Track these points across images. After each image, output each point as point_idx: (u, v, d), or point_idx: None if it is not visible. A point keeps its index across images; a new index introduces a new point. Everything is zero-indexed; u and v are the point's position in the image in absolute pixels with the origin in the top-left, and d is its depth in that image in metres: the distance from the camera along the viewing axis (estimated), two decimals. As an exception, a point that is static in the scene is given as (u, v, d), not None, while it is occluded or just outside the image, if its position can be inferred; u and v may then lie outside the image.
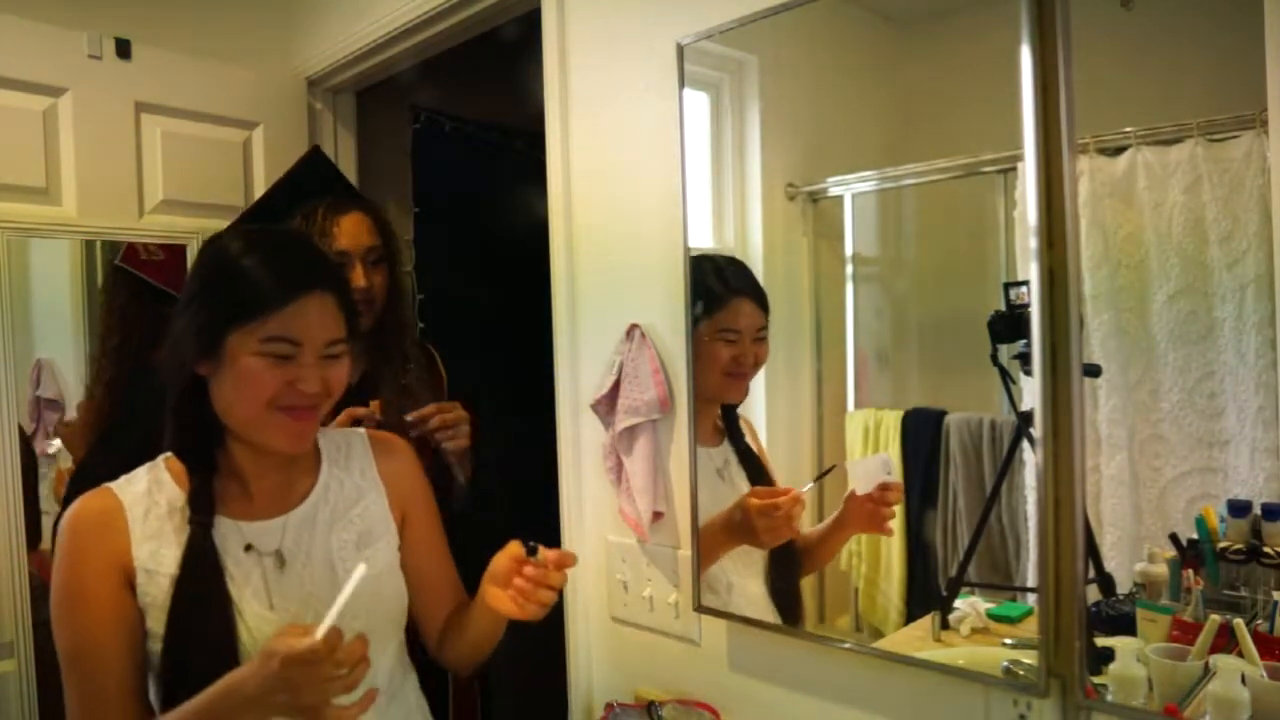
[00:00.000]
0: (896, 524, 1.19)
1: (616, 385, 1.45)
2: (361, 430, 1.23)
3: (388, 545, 1.14)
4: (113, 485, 1.05)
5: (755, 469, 1.35)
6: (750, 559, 1.32)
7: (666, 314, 1.42)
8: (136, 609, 0.99)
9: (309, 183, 1.72)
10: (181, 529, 1.01)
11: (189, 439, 1.06)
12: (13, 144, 1.81)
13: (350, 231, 1.64)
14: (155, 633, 0.99)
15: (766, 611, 1.31)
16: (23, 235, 1.85)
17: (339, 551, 1.09)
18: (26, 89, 1.82)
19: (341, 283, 1.05)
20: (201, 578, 1.00)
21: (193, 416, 1.04)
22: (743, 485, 1.33)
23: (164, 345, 1.05)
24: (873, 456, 1.16)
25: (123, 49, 1.95)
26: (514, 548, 1.04)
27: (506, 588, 1.03)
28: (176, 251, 2.06)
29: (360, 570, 0.90)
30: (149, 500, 1.03)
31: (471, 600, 1.14)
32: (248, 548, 1.04)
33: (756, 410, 1.36)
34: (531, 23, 1.66)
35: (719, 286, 1.34)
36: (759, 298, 1.30)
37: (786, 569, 1.29)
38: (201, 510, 1.02)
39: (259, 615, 1.01)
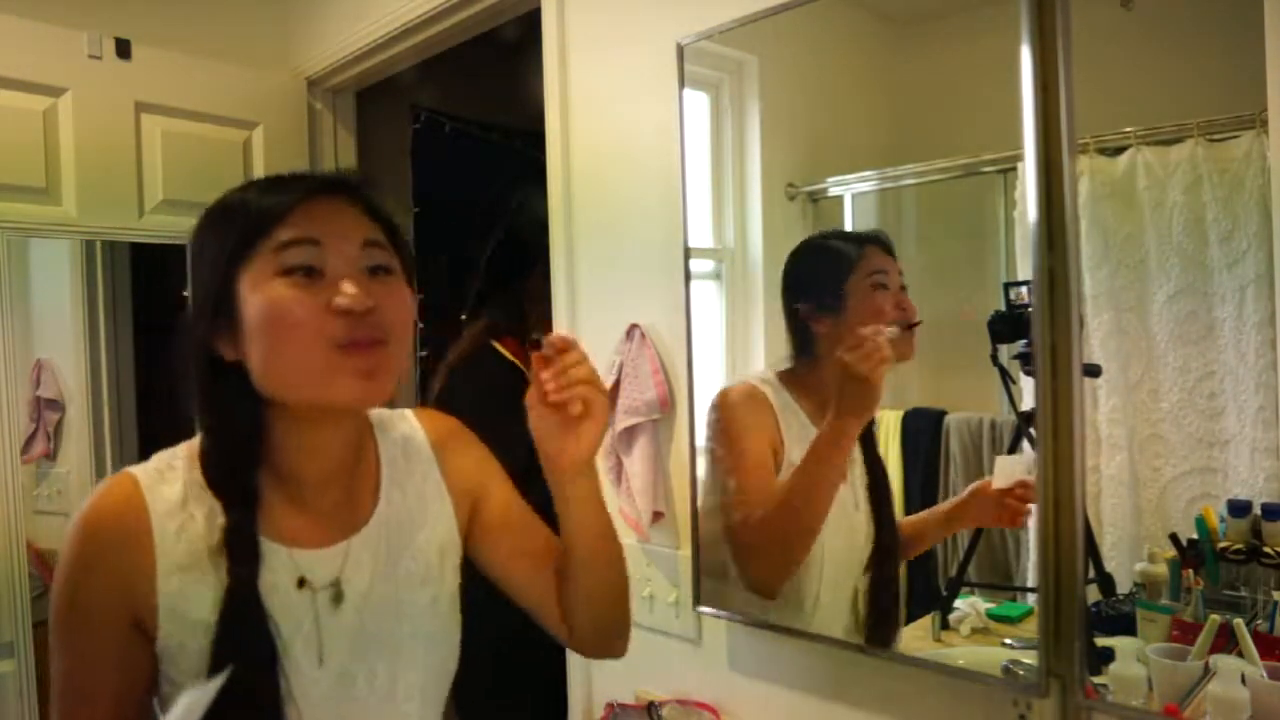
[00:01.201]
0: (897, 524, 1.19)
1: (616, 385, 1.45)
2: (411, 417, 0.97)
3: (453, 573, 0.92)
4: (141, 478, 0.79)
5: (882, 494, 1.22)
6: (850, 558, 1.23)
7: (666, 314, 1.42)
8: (148, 655, 0.77)
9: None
10: (222, 559, 0.78)
11: (225, 447, 0.81)
12: (13, 144, 1.81)
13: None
14: (177, 683, 0.77)
15: (850, 619, 1.23)
16: (23, 235, 1.85)
17: (405, 588, 0.86)
18: (26, 89, 1.82)
19: (369, 194, 0.82)
20: (243, 640, 0.77)
21: (225, 414, 0.81)
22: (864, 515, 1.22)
23: (177, 339, 0.83)
24: (1017, 455, 1.13)
25: (123, 49, 1.95)
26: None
27: (546, 416, 0.84)
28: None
29: None
30: (184, 514, 0.78)
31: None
32: (301, 582, 0.81)
33: (756, 410, 1.36)
34: (531, 23, 1.66)
35: (843, 243, 1.23)
36: (886, 245, 1.19)
37: (888, 558, 1.21)
38: (243, 556, 0.78)
39: (309, 678, 0.80)
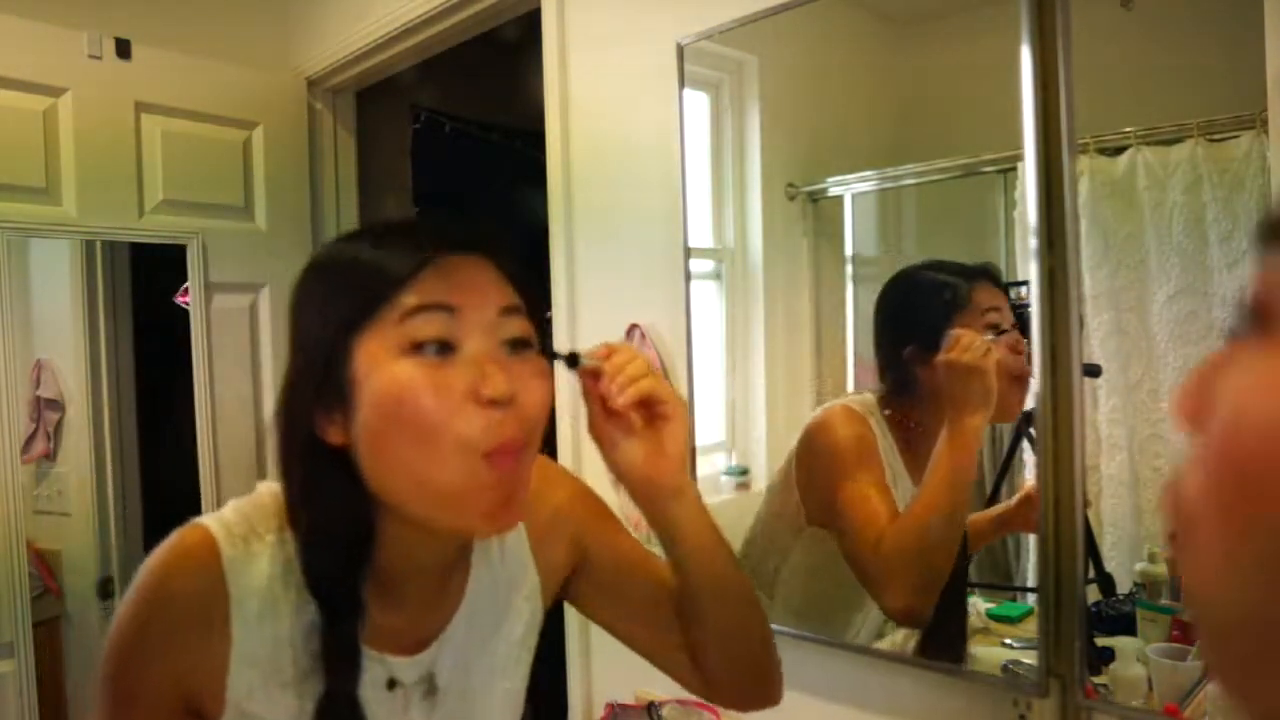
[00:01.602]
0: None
1: (616, 385, 1.45)
2: None
3: (529, 663, 0.82)
4: (223, 548, 0.66)
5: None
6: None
7: (666, 314, 1.42)
8: None
9: None
10: (311, 663, 0.67)
11: (331, 550, 0.67)
12: (13, 144, 1.81)
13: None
14: None
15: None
16: (23, 235, 1.85)
17: (500, 673, 0.78)
18: (26, 89, 1.82)
19: (505, 251, 0.69)
20: None
21: (330, 511, 0.66)
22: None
23: (275, 420, 0.69)
24: None
25: (123, 49, 1.95)
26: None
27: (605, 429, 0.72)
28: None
29: None
30: (268, 596, 0.66)
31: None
32: (391, 684, 0.71)
33: (756, 411, 1.36)
34: (531, 23, 1.66)
35: (951, 277, 1.10)
36: (997, 279, 1.07)
37: (959, 561, 1.16)
38: (346, 670, 0.66)
39: None
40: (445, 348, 0.61)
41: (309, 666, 0.67)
